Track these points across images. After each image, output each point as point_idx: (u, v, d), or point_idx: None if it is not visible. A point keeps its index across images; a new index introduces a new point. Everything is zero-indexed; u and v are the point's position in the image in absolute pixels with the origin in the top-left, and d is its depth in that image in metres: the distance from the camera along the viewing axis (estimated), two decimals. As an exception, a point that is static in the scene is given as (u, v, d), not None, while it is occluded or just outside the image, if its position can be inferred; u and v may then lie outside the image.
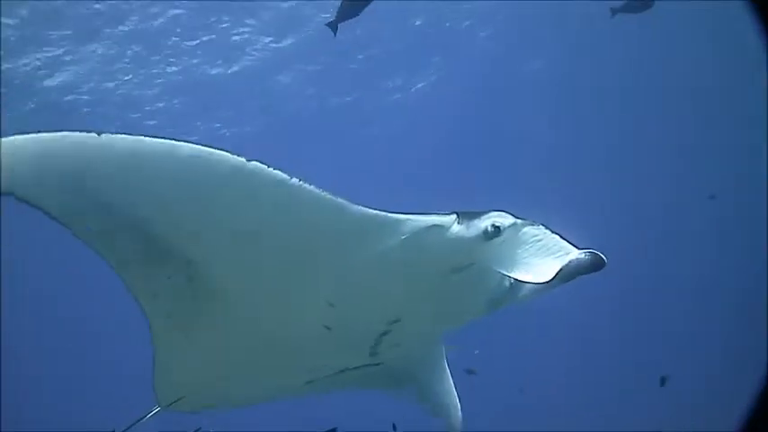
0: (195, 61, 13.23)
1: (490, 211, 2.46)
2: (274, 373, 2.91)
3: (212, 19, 12.47)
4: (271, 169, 2.17)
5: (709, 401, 11.70)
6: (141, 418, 2.95)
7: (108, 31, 11.95)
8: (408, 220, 2.38)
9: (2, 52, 11.47)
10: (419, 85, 15.37)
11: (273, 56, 13.55)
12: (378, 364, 2.88)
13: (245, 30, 12.95)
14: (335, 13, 8.27)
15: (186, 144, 2.09)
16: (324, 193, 2.24)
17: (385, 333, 2.68)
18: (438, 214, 2.43)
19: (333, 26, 8.45)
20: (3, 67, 11.62)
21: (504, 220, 2.42)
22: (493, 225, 2.39)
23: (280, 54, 13.48)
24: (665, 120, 15.72)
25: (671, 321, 15.81)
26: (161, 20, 12.26)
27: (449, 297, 2.55)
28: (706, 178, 15.86)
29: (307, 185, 2.22)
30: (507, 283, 2.50)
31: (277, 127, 14.65)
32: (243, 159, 2.14)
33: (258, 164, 2.16)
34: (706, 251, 16.15)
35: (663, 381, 9.26)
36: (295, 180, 2.20)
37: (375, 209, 2.35)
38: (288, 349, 2.74)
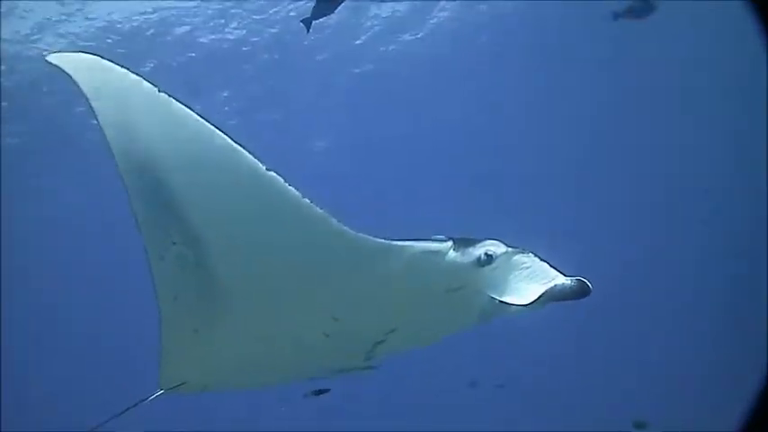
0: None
1: (485, 239, 2.71)
2: (273, 370, 3.12)
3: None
4: (286, 184, 2.37)
5: (710, 402, 11.69)
6: (144, 400, 3.07)
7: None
8: (408, 246, 2.62)
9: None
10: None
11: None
12: (371, 368, 3.09)
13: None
14: (311, 10, 8.45)
15: (220, 134, 2.33)
16: (332, 220, 2.44)
17: (380, 342, 2.89)
18: (435, 240, 2.68)
19: (307, 23, 8.54)
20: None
21: (496, 248, 2.67)
22: (486, 254, 2.64)
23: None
24: (666, 120, 15.71)
25: (670, 320, 15.79)
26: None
27: (442, 312, 2.78)
28: (705, 178, 15.86)
29: (316, 207, 2.41)
30: (497, 301, 2.68)
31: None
32: (260, 164, 2.35)
33: (275, 174, 2.36)
34: (706, 249, 16.14)
35: (639, 425, 9.18)
36: (306, 201, 2.40)
37: (375, 236, 2.56)
38: (288, 352, 2.93)
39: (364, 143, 15.68)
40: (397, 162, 16.25)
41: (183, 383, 3.05)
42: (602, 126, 15.89)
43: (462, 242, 2.68)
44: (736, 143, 15.18)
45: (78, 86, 2.36)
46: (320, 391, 3.43)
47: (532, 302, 2.50)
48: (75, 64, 2.35)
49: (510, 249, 2.68)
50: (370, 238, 2.52)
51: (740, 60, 11.97)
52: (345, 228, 2.46)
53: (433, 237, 2.69)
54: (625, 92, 15.23)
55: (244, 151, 2.33)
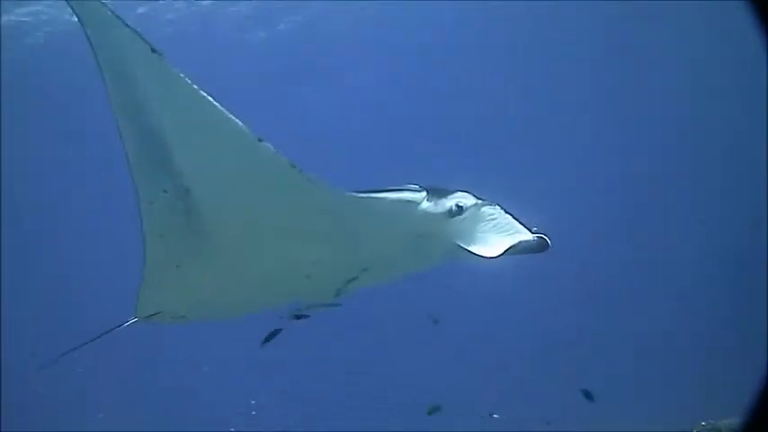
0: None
1: (456, 191, 2.93)
2: (250, 305, 3.34)
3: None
4: (272, 147, 2.49)
5: (710, 401, 11.69)
6: (118, 326, 3.20)
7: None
8: (385, 197, 2.82)
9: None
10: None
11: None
12: (336, 304, 3.32)
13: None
14: None
15: (209, 98, 2.43)
16: (313, 176, 2.59)
17: (353, 279, 3.11)
18: (409, 190, 2.87)
19: None
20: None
21: (467, 200, 2.90)
22: (457, 205, 2.86)
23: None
24: (665, 119, 15.71)
25: (668, 320, 15.79)
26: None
27: (412, 255, 3.02)
28: (705, 178, 15.86)
29: (297, 167, 2.54)
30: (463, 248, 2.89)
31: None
32: (247, 128, 2.47)
33: (268, 144, 2.48)
34: (705, 249, 16.14)
35: (587, 395, 9.17)
36: (293, 164, 2.54)
37: (356, 190, 2.71)
38: (266, 289, 3.15)
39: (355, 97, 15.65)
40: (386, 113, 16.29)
41: (158, 312, 3.18)
42: (600, 125, 15.89)
43: (435, 192, 2.89)
44: (736, 143, 15.19)
45: (84, 30, 2.43)
46: (299, 317, 3.56)
47: (498, 256, 2.72)
48: (85, 7, 2.41)
49: (479, 201, 2.91)
50: (350, 192, 2.69)
51: (740, 60, 11.97)
52: (326, 183, 2.63)
53: (407, 186, 2.86)
54: (624, 91, 15.24)
55: (234, 118, 2.47)
